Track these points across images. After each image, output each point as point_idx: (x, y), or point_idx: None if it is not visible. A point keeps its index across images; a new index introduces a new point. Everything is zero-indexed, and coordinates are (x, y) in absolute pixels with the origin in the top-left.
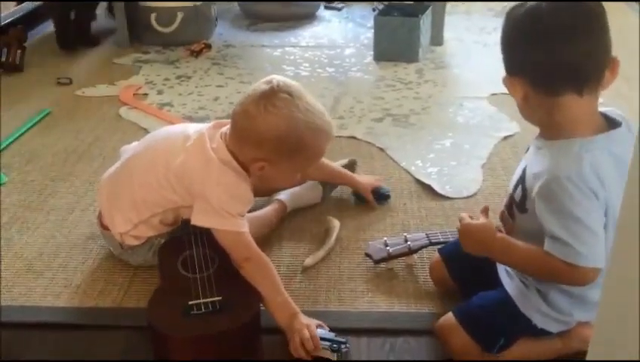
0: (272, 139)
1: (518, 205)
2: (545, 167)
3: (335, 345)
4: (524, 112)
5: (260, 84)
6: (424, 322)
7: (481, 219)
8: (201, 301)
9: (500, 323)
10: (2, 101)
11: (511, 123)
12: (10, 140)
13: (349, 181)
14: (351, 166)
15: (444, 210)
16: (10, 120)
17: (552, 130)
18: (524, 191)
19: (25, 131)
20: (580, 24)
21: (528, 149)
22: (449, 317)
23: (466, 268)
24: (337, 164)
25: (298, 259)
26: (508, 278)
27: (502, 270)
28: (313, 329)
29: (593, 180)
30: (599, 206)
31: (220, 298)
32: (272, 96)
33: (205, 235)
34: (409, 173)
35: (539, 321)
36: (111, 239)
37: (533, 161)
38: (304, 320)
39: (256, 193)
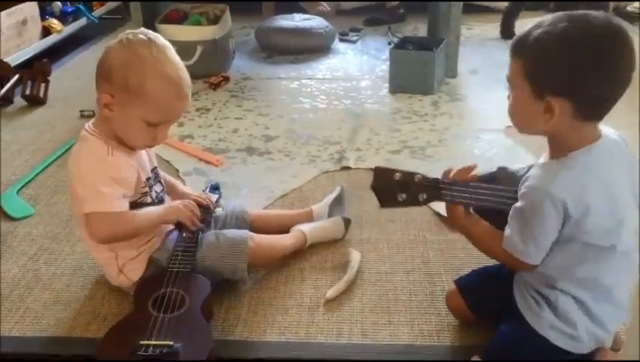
0: (117, 70)
1: None
2: (528, 176)
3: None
4: (537, 132)
5: None
6: (446, 355)
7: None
8: (152, 342)
9: (527, 357)
10: (27, 134)
11: (527, 155)
12: (36, 172)
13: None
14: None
15: (464, 242)
16: (35, 152)
17: (555, 149)
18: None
19: (50, 163)
20: (628, 56)
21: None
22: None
23: (483, 299)
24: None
25: (320, 291)
26: (519, 295)
27: (516, 288)
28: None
29: (561, 195)
30: (557, 221)
31: (171, 343)
32: (131, 35)
33: (186, 275)
34: (427, 205)
35: (553, 337)
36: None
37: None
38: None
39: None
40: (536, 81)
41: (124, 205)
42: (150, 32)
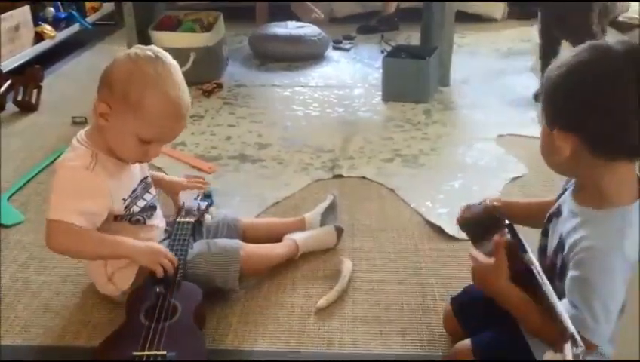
0: (119, 81)
1: (559, 273)
2: (584, 236)
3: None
4: (563, 169)
5: None
6: None
7: (492, 259)
8: (145, 353)
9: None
10: (19, 140)
11: (519, 164)
12: (27, 179)
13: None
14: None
15: (456, 251)
16: (26, 159)
17: (593, 194)
18: (564, 261)
19: (41, 170)
20: None
21: (559, 209)
22: (466, 344)
23: (478, 319)
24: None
25: (312, 300)
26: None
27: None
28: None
29: (632, 255)
30: (624, 282)
31: (165, 353)
32: (140, 50)
33: (178, 284)
34: (419, 214)
35: None
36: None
37: (569, 229)
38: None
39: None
40: (547, 113)
41: (89, 221)
42: (160, 51)
